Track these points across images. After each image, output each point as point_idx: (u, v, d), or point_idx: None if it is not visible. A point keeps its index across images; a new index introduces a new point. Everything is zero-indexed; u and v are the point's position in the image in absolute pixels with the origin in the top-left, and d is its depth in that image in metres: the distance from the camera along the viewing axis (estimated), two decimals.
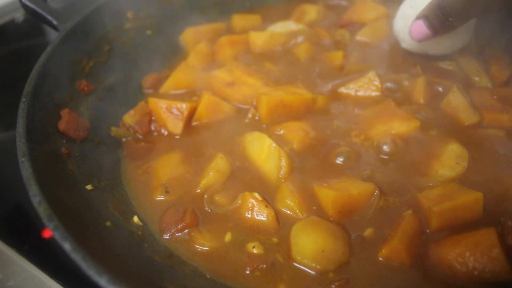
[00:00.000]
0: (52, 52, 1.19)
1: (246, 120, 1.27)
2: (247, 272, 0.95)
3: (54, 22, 1.31)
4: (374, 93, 1.31)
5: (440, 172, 1.08)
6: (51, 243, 1.23)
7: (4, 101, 1.66)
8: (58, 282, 1.09)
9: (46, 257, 1.18)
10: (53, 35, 1.52)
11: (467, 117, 1.22)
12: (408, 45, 1.38)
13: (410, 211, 1.00)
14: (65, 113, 1.14)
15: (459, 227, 0.98)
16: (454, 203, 0.98)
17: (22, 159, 0.92)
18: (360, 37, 1.54)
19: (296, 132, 1.18)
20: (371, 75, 1.32)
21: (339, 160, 1.13)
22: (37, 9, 1.33)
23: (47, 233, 1.26)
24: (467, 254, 0.92)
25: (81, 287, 1.05)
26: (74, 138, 1.13)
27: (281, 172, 1.09)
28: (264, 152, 1.12)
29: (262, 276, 0.94)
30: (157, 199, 1.10)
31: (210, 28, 1.61)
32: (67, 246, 0.78)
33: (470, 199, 0.99)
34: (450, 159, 1.10)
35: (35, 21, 2.02)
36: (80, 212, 0.95)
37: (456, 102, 1.24)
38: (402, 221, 0.97)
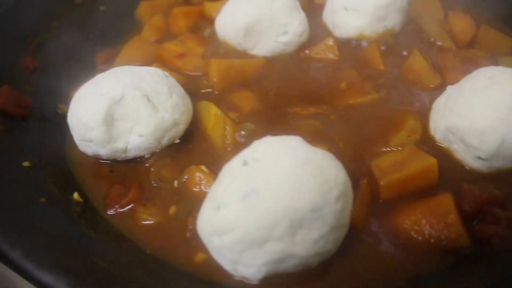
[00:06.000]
0: None
1: (202, 91, 1.21)
2: (187, 235, 0.91)
3: None
4: (331, 58, 1.26)
5: (391, 143, 1.04)
6: None
7: None
8: None
9: None
10: None
11: (429, 79, 1.18)
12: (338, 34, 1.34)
13: (365, 180, 0.96)
14: (4, 90, 1.09)
15: (415, 194, 0.93)
16: (404, 173, 0.94)
17: None
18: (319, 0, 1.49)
19: (247, 99, 1.14)
20: (329, 40, 1.28)
21: (294, 127, 1.08)
22: None
23: None
24: (422, 221, 0.88)
25: None
26: (14, 115, 1.08)
27: (226, 141, 1.05)
28: (211, 121, 1.07)
29: (198, 244, 0.87)
30: (103, 174, 1.05)
31: (165, 2, 1.54)
32: None
33: (424, 166, 0.95)
34: (403, 132, 1.06)
35: None
36: (9, 188, 0.90)
37: (417, 65, 1.21)
38: (358, 191, 0.93)
